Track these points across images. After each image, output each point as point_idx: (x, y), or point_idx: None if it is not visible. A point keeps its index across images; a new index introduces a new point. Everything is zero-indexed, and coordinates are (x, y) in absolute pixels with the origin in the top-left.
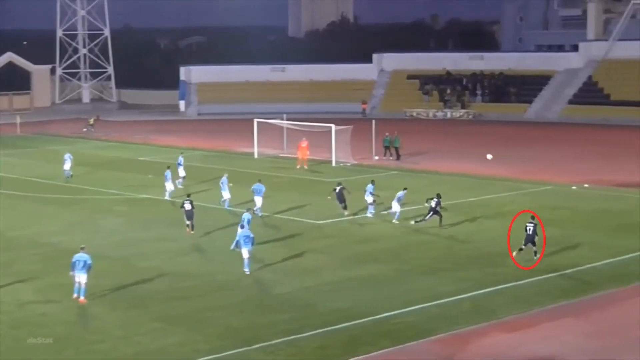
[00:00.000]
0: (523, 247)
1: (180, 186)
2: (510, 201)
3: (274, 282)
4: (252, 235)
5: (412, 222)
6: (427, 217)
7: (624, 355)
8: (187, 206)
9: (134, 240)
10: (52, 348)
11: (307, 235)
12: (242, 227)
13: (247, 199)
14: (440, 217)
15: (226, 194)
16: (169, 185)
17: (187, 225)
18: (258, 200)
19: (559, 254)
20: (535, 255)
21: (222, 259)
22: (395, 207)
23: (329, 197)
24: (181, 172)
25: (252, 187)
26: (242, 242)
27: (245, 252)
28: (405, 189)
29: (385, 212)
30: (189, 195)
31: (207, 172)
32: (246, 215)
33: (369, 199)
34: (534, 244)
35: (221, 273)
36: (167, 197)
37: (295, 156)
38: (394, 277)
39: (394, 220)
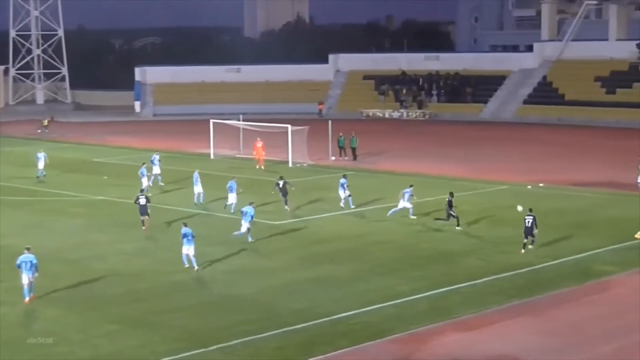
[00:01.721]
0: (525, 240)
1: (151, 184)
2: (466, 201)
3: (232, 283)
4: (193, 233)
5: (435, 220)
6: (449, 216)
7: (579, 353)
8: (142, 201)
9: (90, 242)
10: (5, 353)
11: (264, 235)
12: (248, 219)
13: (211, 198)
14: (450, 216)
15: (232, 198)
16: (145, 182)
17: (142, 221)
18: (232, 197)
19: (515, 253)
20: (533, 244)
21: (179, 260)
22: (406, 204)
23: (272, 192)
24: (156, 169)
25: (228, 185)
26: (185, 240)
27: (190, 250)
28: (411, 185)
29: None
30: (142, 191)
31: (164, 174)
32: (249, 209)
33: (344, 192)
34: (532, 235)
35: (178, 274)
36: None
37: (252, 157)
38: (351, 278)
39: (410, 216)
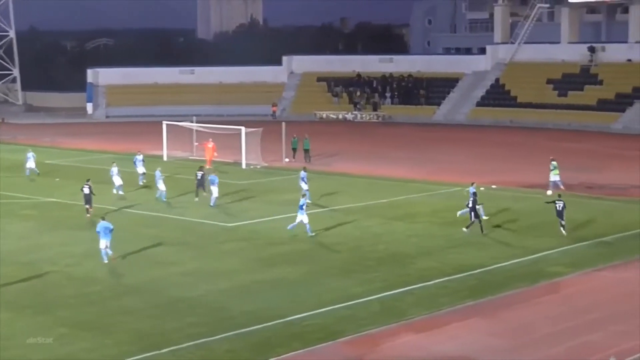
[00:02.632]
0: (562, 222)
1: (141, 182)
2: (419, 202)
3: (185, 285)
4: (111, 227)
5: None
6: (474, 218)
7: (531, 353)
8: (86, 190)
9: (42, 245)
10: None
11: (218, 237)
12: (301, 212)
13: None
14: (476, 216)
15: (215, 191)
16: (117, 180)
17: (86, 209)
18: (214, 190)
19: (467, 254)
20: (564, 227)
21: (130, 262)
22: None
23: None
24: (141, 169)
25: (209, 178)
26: (102, 233)
27: (103, 243)
28: (473, 183)
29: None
30: (88, 180)
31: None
32: (303, 200)
33: (304, 185)
34: (562, 218)
35: (130, 277)
36: (118, 192)
37: (204, 158)
38: (304, 279)
39: (483, 217)
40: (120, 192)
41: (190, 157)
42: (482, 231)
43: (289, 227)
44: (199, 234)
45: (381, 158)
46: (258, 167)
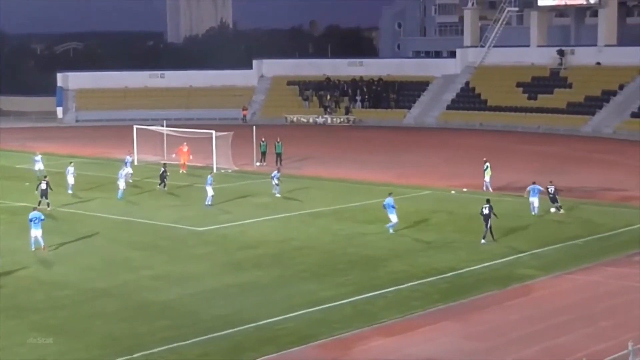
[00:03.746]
0: (556, 204)
1: (130, 180)
2: None
3: (156, 289)
4: (43, 217)
5: (482, 241)
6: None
7: (503, 356)
8: (43, 186)
9: (12, 249)
10: None
11: (188, 241)
12: (391, 210)
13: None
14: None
15: (210, 191)
16: (70, 179)
17: (45, 203)
18: (209, 190)
19: (438, 258)
20: (560, 209)
21: (101, 266)
22: (534, 200)
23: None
24: (126, 169)
25: (207, 179)
26: (33, 223)
27: (38, 233)
28: (534, 182)
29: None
30: (45, 177)
31: (86, 180)
32: (389, 200)
33: (274, 181)
34: (557, 201)
35: (100, 280)
36: (69, 191)
37: (176, 162)
38: (276, 283)
39: (533, 213)
40: (70, 192)
41: (161, 161)
42: (492, 238)
43: (387, 226)
44: (170, 238)
45: (352, 161)
46: (229, 171)
